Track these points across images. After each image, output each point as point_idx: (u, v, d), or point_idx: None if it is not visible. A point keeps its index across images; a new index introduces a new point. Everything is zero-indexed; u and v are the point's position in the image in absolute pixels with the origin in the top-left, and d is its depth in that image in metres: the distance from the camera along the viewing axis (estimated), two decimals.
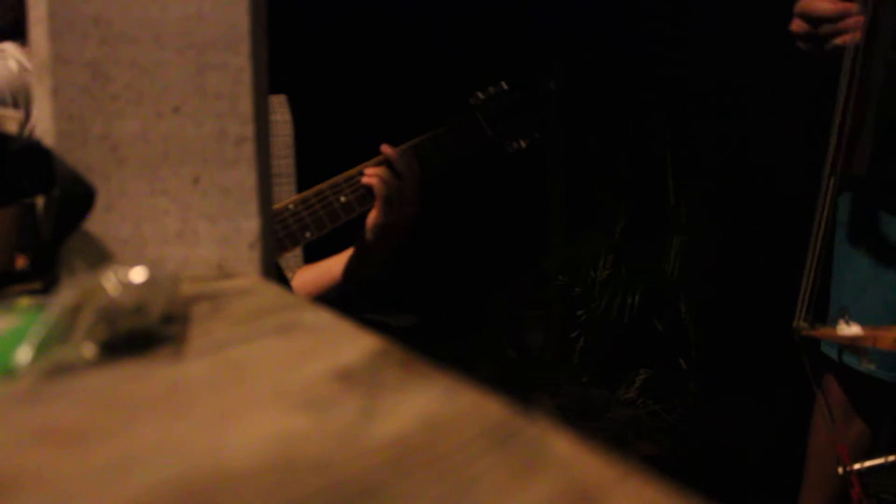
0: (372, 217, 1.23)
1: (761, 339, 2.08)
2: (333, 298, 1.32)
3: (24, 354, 0.32)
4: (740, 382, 2.67)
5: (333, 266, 1.31)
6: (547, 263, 3.33)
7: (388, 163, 1.24)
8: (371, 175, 1.22)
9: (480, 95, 1.39)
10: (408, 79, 2.96)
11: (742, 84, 2.75)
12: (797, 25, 1.21)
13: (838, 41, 1.14)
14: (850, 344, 0.97)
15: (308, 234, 1.18)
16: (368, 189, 1.22)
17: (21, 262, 0.51)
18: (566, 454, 0.23)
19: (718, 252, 2.92)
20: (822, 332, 1.00)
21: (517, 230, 3.30)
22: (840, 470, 1.09)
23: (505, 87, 1.41)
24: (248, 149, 0.56)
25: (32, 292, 0.47)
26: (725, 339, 2.79)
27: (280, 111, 1.58)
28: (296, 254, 1.41)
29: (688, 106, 2.99)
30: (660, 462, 2.42)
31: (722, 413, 2.64)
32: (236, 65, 0.55)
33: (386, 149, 1.24)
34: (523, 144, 1.42)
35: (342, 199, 1.20)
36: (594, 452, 0.23)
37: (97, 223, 0.53)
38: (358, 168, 1.24)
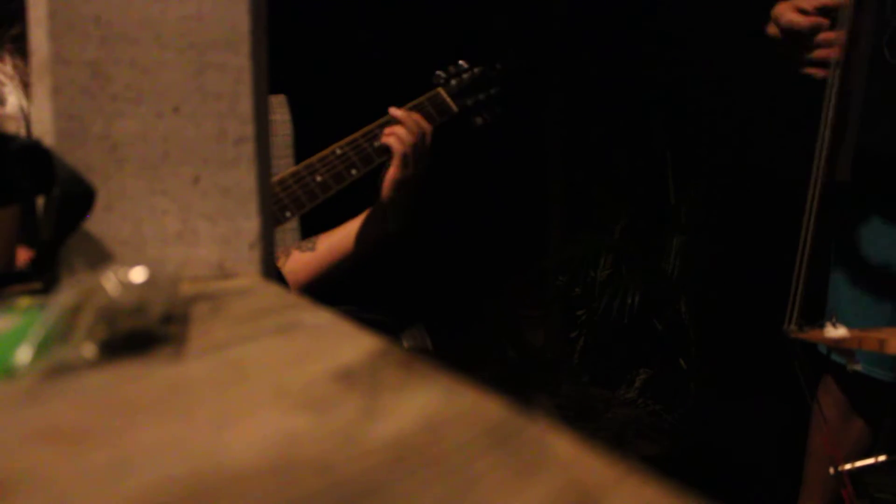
0: (390, 173, 1.30)
1: (761, 339, 2.08)
2: (331, 298, 1.33)
3: (24, 354, 0.32)
4: (740, 382, 2.67)
5: (352, 227, 1.36)
6: (547, 263, 3.33)
7: (396, 123, 1.32)
8: (389, 133, 1.30)
9: (442, 74, 1.42)
10: (407, 78, 2.96)
11: (742, 84, 2.75)
12: (773, 30, 1.19)
13: (816, 55, 1.11)
14: (836, 346, 0.98)
15: (288, 214, 1.24)
16: (345, 168, 1.28)
17: (24, 257, 0.51)
18: (566, 454, 0.23)
19: (718, 252, 2.92)
20: (809, 334, 1.01)
21: (517, 229, 3.30)
22: (832, 470, 1.09)
23: (464, 64, 1.47)
24: (248, 149, 0.56)
25: (32, 292, 0.47)
26: (725, 339, 2.78)
27: (280, 111, 1.59)
28: (294, 226, 1.46)
29: (687, 106, 2.99)
30: (660, 462, 2.42)
31: (722, 413, 2.64)
32: (236, 65, 0.55)
33: (394, 110, 1.33)
34: (488, 119, 1.48)
35: (318, 178, 1.27)
36: (594, 452, 0.23)
37: (97, 223, 0.53)
38: (330, 148, 1.30)
